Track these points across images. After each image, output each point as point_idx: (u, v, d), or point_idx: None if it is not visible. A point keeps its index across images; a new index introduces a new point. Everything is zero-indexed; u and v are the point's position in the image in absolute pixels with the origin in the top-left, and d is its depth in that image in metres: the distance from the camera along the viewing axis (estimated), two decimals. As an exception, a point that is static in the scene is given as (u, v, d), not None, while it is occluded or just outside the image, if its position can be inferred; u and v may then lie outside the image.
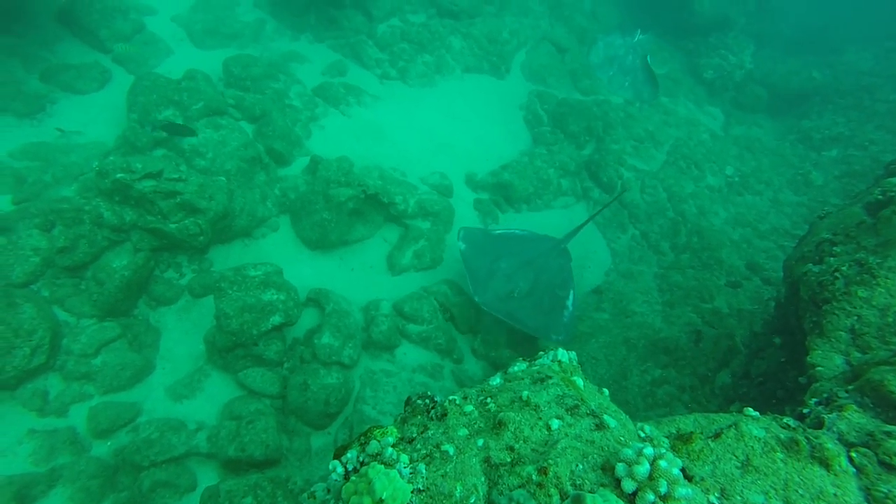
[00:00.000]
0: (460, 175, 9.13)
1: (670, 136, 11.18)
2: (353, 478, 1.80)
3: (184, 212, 6.36)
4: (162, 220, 6.29)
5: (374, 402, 5.93)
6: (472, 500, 1.76)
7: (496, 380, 2.46)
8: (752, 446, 2.57)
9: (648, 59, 9.98)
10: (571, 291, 6.93)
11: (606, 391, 2.54)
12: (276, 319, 5.90)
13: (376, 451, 1.90)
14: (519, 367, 2.57)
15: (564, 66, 12.14)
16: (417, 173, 8.66)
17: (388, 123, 9.30)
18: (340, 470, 1.90)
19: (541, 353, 2.68)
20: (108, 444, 5.41)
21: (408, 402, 2.37)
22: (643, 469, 1.68)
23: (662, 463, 1.71)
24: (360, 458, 1.91)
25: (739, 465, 2.51)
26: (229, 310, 5.75)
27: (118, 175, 6.14)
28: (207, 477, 5.44)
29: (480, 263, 6.64)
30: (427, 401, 2.26)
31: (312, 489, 2.26)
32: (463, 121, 10.14)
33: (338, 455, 1.97)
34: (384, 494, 1.67)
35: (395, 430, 2.02)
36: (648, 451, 1.71)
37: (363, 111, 9.31)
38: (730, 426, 2.66)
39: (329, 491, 2.25)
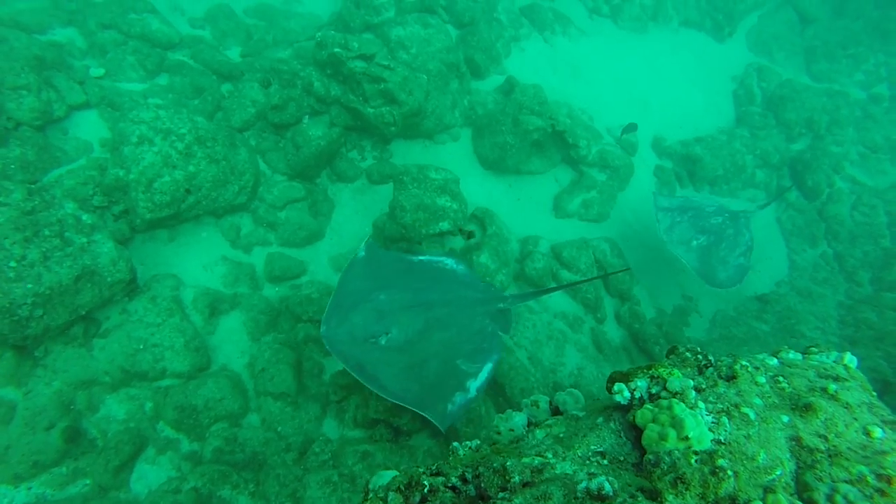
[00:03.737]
0: (648, 136, 8.41)
1: (919, 150, 9.28)
2: (649, 406, 1.72)
3: (383, 99, 6.50)
4: (362, 103, 6.50)
5: (512, 331, 5.95)
6: (777, 472, 1.61)
7: (773, 360, 2.22)
8: None
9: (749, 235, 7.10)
10: (485, 371, 4.60)
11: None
12: (444, 225, 5.99)
13: (677, 390, 1.79)
14: (794, 356, 2.30)
15: (802, 41, 10.40)
16: (605, 121, 8.11)
17: (588, 62, 8.69)
18: (627, 394, 1.83)
19: (813, 347, 2.37)
20: (276, 290, 6.00)
21: (673, 350, 2.22)
22: None
23: None
24: (652, 390, 1.82)
25: None
26: (406, 203, 5.92)
27: (335, 49, 6.37)
28: (348, 347, 5.88)
29: (361, 286, 4.78)
30: (700, 356, 2.10)
31: (534, 398, 2.24)
32: (665, 79, 9.20)
33: (616, 380, 1.89)
34: (692, 433, 1.57)
35: (679, 372, 1.89)
36: None
37: (566, 43, 8.76)
38: None
39: (556, 406, 2.21)
